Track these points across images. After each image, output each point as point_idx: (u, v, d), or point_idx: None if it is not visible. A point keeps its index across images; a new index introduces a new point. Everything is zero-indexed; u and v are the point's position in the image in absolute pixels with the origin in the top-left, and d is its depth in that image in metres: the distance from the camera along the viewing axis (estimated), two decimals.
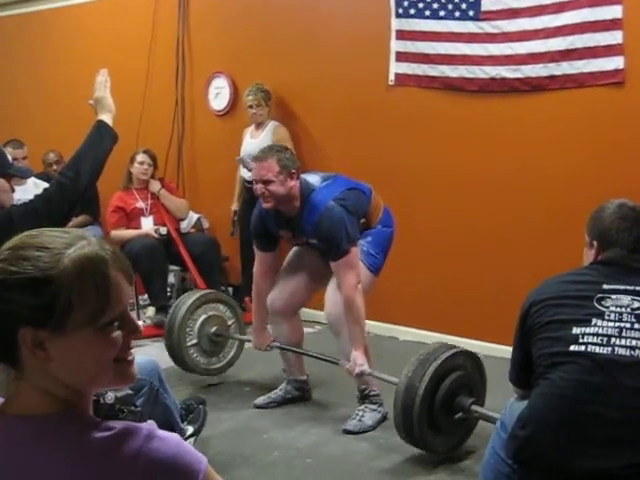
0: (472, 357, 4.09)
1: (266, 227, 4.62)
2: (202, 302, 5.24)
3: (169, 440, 1.41)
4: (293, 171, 4.35)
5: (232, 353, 5.38)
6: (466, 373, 3.99)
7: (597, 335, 2.54)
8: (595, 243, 2.85)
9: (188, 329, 5.15)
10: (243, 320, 6.72)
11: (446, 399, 3.87)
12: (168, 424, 3.67)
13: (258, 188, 4.37)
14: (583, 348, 2.54)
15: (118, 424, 1.40)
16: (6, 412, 1.40)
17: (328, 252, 4.38)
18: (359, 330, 4.38)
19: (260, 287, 4.82)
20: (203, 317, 5.21)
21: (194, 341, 5.16)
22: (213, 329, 5.23)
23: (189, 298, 5.25)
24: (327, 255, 4.41)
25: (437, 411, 3.86)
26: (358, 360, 4.36)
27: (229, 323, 5.35)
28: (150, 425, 1.42)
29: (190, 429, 3.92)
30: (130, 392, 2.66)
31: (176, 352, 5.14)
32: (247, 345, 6.18)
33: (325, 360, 4.65)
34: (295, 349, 4.78)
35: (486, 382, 4.11)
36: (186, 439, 3.80)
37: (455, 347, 4.06)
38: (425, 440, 3.92)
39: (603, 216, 2.84)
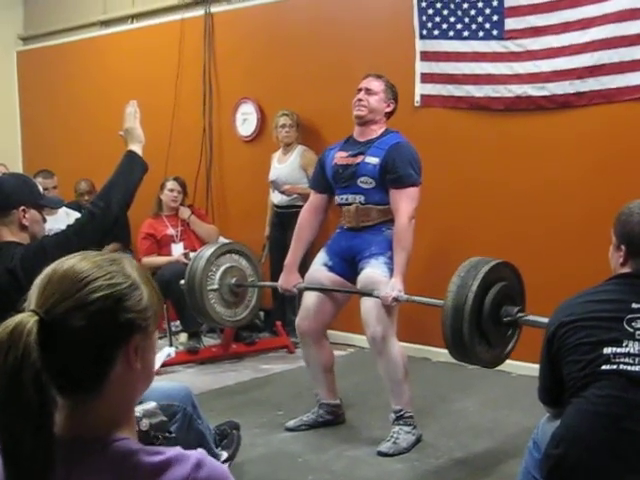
0: (512, 269, 4.01)
1: (324, 162, 4.79)
2: (227, 250, 5.27)
3: (218, 471, 1.44)
4: (391, 100, 4.70)
5: (249, 308, 5.38)
6: (509, 284, 3.94)
7: (629, 355, 2.53)
8: (623, 247, 2.79)
9: (210, 273, 5.13)
10: (275, 344, 6.79)
11: (493, 307, 3.82)
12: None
13: (359, 95, 4.66)
14: (615, 367, 2.53)
15: (169, 450, 1.42)
16: (64, 434, 1.41)
17: (393, 178, 4.46)
18: (405, 257, 4.40)
19: (302, 224, 4.89)
20: (226, 265, 5.21)
21: (215, 286, 5.14)
22: (234, 280, 5.22)
23: (215, 245, 5.34)
24: (389, 181, 4.48)
25: (485, 320, 3.80)
26: (396, 286, 4.35)
27: (250, 280, 5.34)
28: (200, 454, 1.44)
29: (224, 454, 3.91)
30: (164, 418, 2.68)
31: (196, 295, 5.10)
32: (285, 367, 6.22)
33: (357, 293, 4.56)
34: (326, 287, 4.69)
35: (526, 294, 4.03)
36: None
37: (496, 259, 4.00)
38: (474, 348, 3.84)
39: (632, 221, 2.77)
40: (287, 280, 4.88)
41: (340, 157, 4.68)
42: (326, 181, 4.77)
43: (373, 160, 4.52)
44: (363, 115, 4.63)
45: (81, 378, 1.39)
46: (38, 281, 1.41)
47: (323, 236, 4.96)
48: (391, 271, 4.42)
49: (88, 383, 1.39)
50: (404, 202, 4.44)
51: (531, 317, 3.83)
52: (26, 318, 1.33)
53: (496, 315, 3.85)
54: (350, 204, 4.61)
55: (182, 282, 5.23)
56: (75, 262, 1.43)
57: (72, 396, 1.41)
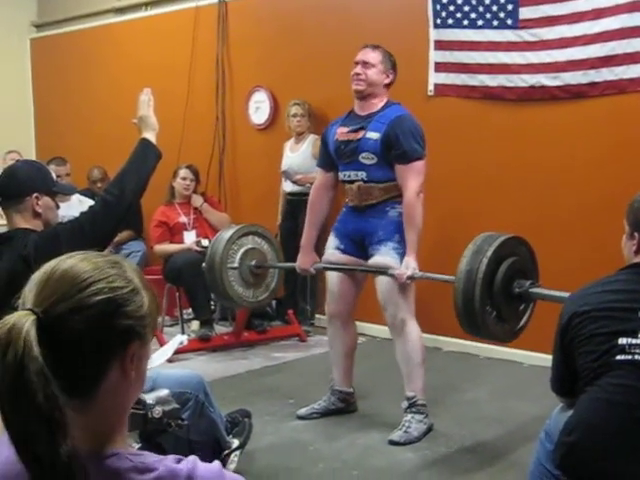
0: (527, 246, 4.02)
1: (327, 139, 4.76)
2: (250, 231, 5.28)
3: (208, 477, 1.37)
4: (390, 72, 4.61)
5: (269, 291, 5.39)
6: (521, 259, 3.94)
7: None
8: (637, 235, 2.77)
9: (231, 252, 5.14)
10: (287, 332, 6.80)
11: (506, 277, 3.82)
12: (214, 437, 3.70)
13: (357, 69, 4.57)
14: (630, 357, 2.53)
15: (159, 464, 1.36)
16: None
17: (398, 154, 4.42)
18: (416, 234, 4.39)
19: (313, 203, 4.90)
20: (248, 246, 5.21)
21: (235, 265, 5.14)
22: (254, 262, 5.21)
23: (238, 225, 5.33)
24: (394, 157, 4.44)
25: (497, 288, 3.82)
26: (411, 264, 4.35)
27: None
28: (191, 465, 1.38)
29: (236, 442, 3.92)
30: (177, 406, 2.70)
31: (215, 273, 5.10)
32: (296, 356, 6.24)
33: (373, 271, 4.54)
34: (343, 266, 4.68)
35: (538, 269, 4.04)
36: (232, 452, 3.82)
37: (507, 234, 4.00)
38: (485, 319, 3.85)
39: None
40: (304, 261, 4.90)
41: (341, 132, 4.64)
42: (331, 158, 4.74)
43: (374, 135, 4.47)
44: (362, 89, 4.56)
45: (74, 383, 1.32)
46: (36, 279, 1.35)
47: (335, 214, 4.95)
48: (400, 256, 4.42)
49: (81, 389, 1.33)
50: (411, 178, 4.40)
51: (542, 290, 3.84)
52: (24, 317, 1.26)
53: (508, 286, 3.86)
54: (352, 182, 4.58)
55: (204, 265, 5.24)
56: (75, 262, 1.37)
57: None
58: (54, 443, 1.22)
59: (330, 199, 4.87)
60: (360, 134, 4.52)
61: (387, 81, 4.59)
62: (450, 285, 4.03)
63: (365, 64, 4.55)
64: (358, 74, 4.55)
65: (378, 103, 4.58)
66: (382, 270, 4.45)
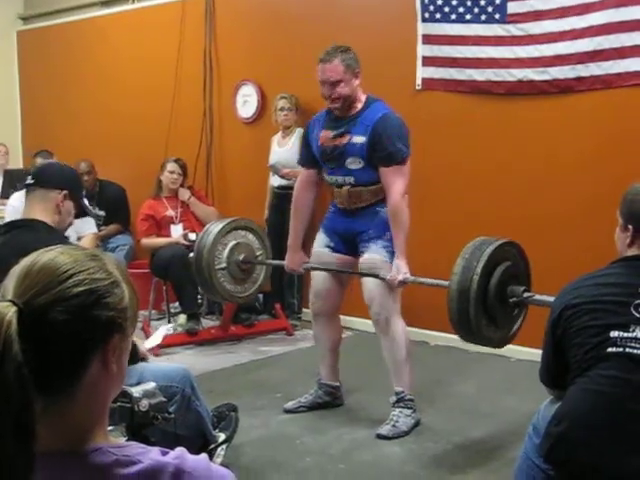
0: (517, 248, 4.01)
1: (309, 139, 4.71)
2: (232, 227, 5.21)
3: (198, 470, 1.36)
4: (357, 70, 4.46)
5: (258, 283, 5.35)
6: (514, 263, 3.93)
7: (636, 339, 2.52)
8: (630, 227, 2.76)
9: (217, 252, 5.09)
10: (274, 326, 6.79)
11: (499, 288, 3.81)
12: (200, 431, 3.70)
13: (325, 90, 4.46)
14: (621, 350, 2.53)
15: (144, 457, 1.34)
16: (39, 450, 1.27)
17: (382, 156, 4.36)
18: (403, 236, 4.36)
19: (298, 202, 4.86)
20: (233, 243, 5.15)
21: (223, 265, 5.10)
22: (241, 257, 5.16)
23: (220, 223, 5.23)
24: (378, 159, 4.38)
25: (491, 301, 3.81)
26: (402, 268, 4.33)
27: (257, 254, 5.28)
28: (178, 458, 1.37)
29: (222, 436, 3.92)
30: (163, 399, 2.69)
31: (204, 275, 5.06)
32: (284, 349, 6.24)
33: (364, 275, 4.50)
34: (332, 268, 4.66)
35: (531, 272, 4.02)
36: (218, 446, 3.82)
37: (500, 239, 3.97)
38: (481, 330, 3.85)
39: (639, 200, 2.77)
40: (293, 260, 4.88)
41: (326, 137, 4.57)
42: (313, 157, 4.69)
43: (360, 139, 4.42)
44: (340, 107, 4.46)
45: (55, 378, 1.30)
46: (15, 272, 1.33)
47: (320, 210, 4.94)
48: (390, 254, 4.41)
49: (62, 384, 1.31)
50: (396, 180, 4.36)
51: (537, 296, 3.83)
52: (5, 308, 1.23)
53: (502, 296, 3.85)
54: (341, 186, 4.55)
55: (191, 255, 5.25)
56: (55, 255, 1.35)
57: (43, 397, 1.27)
58: (17, 447, 1.19)
59: (314, 196, 4.85)
60: (346, 139, 4.47)
61: (358, 82, 4.47)
62: (441, 279, 4.02)
63: (332, 84, 4.42)
64: (330, 95, 4.45)
65: (358, 104, 4.50)
66: (373, 274, 4.44)
